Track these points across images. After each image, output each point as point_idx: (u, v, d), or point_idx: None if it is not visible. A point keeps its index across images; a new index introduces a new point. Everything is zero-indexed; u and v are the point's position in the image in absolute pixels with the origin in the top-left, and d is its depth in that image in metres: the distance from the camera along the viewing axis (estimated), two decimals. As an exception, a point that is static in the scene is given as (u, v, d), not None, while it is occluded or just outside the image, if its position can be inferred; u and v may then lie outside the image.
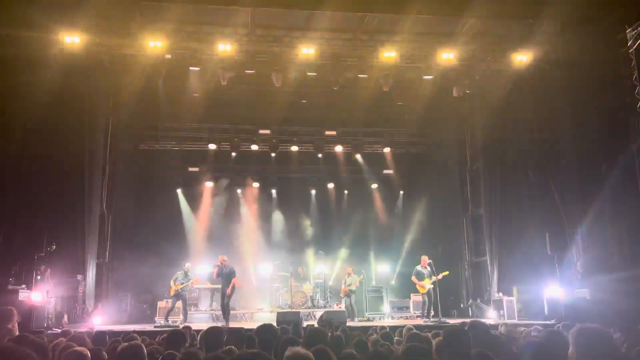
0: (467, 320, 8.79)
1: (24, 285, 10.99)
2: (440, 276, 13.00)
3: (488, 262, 15.26)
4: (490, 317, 13.93)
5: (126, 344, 4.35)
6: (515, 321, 12.44)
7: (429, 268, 13.23)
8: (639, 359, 3.85)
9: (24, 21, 11.88)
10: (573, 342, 3.01)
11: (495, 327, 7.58)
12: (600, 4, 12.21)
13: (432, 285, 13.08)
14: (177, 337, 4.63)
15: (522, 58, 14.26)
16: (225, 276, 12.76)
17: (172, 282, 13.14)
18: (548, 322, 11.00)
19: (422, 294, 13.29)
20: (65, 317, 12.05)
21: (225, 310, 12.61)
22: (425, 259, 13.42)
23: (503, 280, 14.58)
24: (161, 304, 14.26)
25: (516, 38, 14.28)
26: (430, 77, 14.37)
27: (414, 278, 13.41)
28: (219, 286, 15.34)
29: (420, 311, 13.75)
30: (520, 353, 4.12)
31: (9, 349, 2.38)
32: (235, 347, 4.33)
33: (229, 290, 12.63)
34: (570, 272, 12.63)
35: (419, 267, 13.43)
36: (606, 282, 11.52)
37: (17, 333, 5.77)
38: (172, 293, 13.10)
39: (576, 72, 13.38)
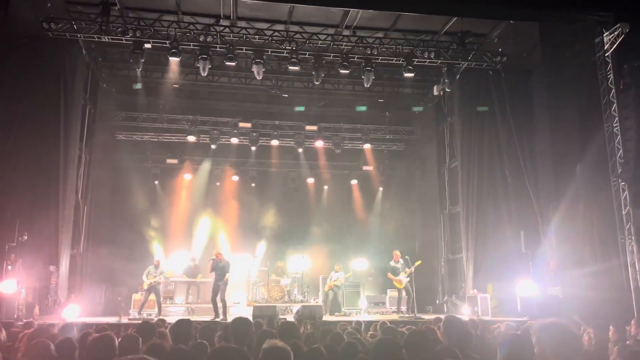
0: (442, 316, 8.89)
1: (-7, 276, 10.76)
2: (413, 268, 13.24)
3: (464, 259, 15.41)
4: (465, 313, 14.09)
5: (97, 334, 4.27)
6: (489, 317, 12.60)
7: (401, 261, 13.50)
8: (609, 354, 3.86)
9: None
10: (536, 340, 2.89)
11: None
12: (578, 7, 12.42)
13: (408, 279, 13.29)
14: (148, 328, 4.57)
15: (501, 58, 14.56)
16: (220, 270, 12.71)
17: (144, 276, 13.06)
18: (520, 319, 11.16)
19: (400, 289, 13.48)
20: (37, 308, 11.81)
21: (215, 304, 12.50)
22: (397, 253, 13.75)
23: (478, 277, 14.74)
24: (136, 296, 14.09)
25: (496, 38, 14.49)
26: (411, 74, 14.46)
27: (389, 275, 13.65)
28: (195, 280, 15.32)
29: (396, 307, 13.92)
30: (495, 349, 4.16)
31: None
32: (206, 341, 4.28)
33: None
34: (543, 269, 12.85)
35: (392, 263, 13.71)
36: (578, 277, 11.75)
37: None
38: (145, 287, 13.03)
39: (553, 73, 13.60)
